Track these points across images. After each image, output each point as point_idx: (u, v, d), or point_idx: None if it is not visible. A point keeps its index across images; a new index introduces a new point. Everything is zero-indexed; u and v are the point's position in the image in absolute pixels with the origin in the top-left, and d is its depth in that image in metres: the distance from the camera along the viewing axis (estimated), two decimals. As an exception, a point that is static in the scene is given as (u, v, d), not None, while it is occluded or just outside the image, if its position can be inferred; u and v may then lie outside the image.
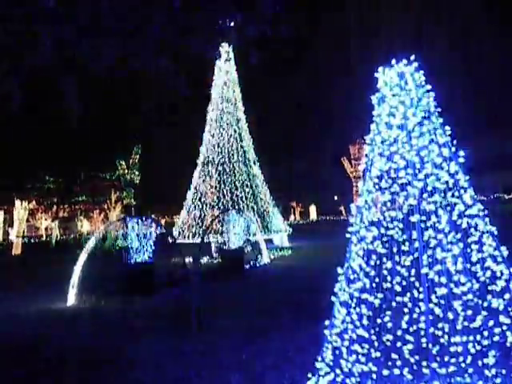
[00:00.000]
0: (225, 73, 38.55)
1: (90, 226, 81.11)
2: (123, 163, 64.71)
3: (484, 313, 5.44)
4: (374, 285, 5.73)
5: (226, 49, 37.76)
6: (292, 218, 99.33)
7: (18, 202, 48.65)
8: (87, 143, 56.72)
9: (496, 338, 5.46)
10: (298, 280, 18.32)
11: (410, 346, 5.56)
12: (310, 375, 6.07)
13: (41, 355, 9.95)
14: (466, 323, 5.42)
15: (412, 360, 5.57)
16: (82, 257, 17.45)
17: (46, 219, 79.68)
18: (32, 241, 60.55)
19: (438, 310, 5.49)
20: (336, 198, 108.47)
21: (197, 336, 10.92)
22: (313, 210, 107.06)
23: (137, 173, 65.50)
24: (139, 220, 18.73)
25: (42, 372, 8.84)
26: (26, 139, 49.19)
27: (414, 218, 5.63)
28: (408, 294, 5.64)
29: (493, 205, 47.31)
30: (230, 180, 36.27)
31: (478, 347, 5.44)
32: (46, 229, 79.22)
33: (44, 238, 67.43)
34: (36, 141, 50.50)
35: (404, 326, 5.62)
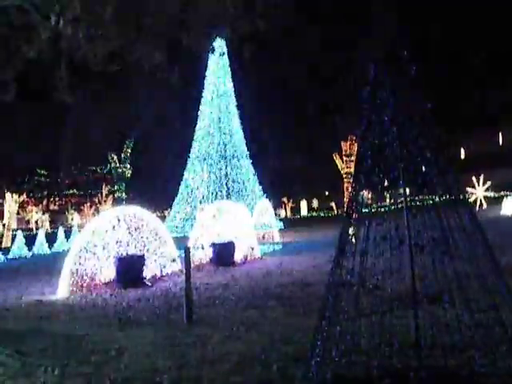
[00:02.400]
0: (218, 67, 38.52)
1: (81, 219, 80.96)
2: (115, 157, 64.45)
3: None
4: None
5: (219, 43, 37.69)
6: (283, 213, 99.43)
7: (8, 195, 48.50)
8: (79, 135, 56.38)
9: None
10: (288, 274, 18.39)
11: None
12: (300, 364, 6.15)
13: (31, 346, 9.99)
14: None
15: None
16: (73, 249, 17.49)
17: (36, 212, 79.42)
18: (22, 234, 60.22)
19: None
20: (327, 193, 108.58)
21: (187, 328, 10.99)
22: (304, 205, 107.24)
23: (128, 166, 65.27)
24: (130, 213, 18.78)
25: (32, 362, 8.88)
26: (19, 130, 48.90)
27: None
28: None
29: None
30: (221, 174, 36.31)
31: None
32: (37, 221, 79.03)
33: (34, 231, 67.18)
34: (28, 132, 50.20)
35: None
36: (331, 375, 5.71)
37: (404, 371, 5.82)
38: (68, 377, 7.89)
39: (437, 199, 5.94)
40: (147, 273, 18.70)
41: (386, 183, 5.93)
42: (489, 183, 54.76)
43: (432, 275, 5.84)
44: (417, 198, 5.96)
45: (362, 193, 6.03)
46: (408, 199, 5.78)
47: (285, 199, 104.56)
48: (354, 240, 5.96)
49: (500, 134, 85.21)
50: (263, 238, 36.15)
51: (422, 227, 5.78)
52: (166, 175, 51.92)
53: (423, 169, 5.79)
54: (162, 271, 19.82)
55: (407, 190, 5.78)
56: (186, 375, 7.58)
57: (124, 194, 65.84)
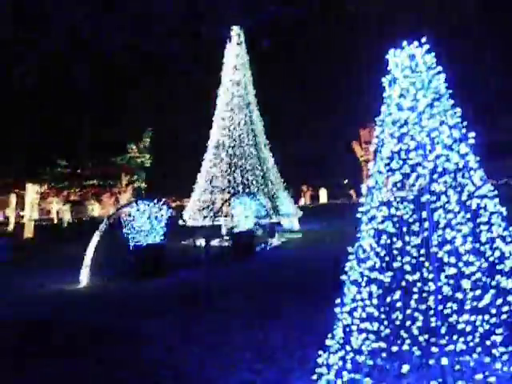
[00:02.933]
0: (235, 56, 38.41)
1: (101, 209, 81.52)
2: (134, 147, 64.76)
3: (492, 291, 5.50)
4: (383, 264, 5.81)
5: (236, 32, 37.59)
6: (302, 201, 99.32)
7: (29, 186, 48.95)
8: (99, 126, 56.72)
9: (504, 317, 5.53)
10: (307, 262, 18.40)
11: (419, 324, 5.65)
12: (320, 352, 6.16)
13: (54, 333, 10.14)
14: (474, 303, 5.49)
15: (421, 338, 5.66)
16: (95, 239, 17.65)
17: (57, 203, 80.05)
18: (44, 224, 60.90)
19: (446, 289, 5.56)
20: (346, 181, 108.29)
21: (207, 316, 11.06)
22: (323, 193, 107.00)
23: (148, 156, 65.58)
24: (150, 202, 18.87)
25: (55, 349, 9.02)
26: (40, 123, 49.24)
27: (424, 199, 5.68)
28: (417, 273, 5.72)
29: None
30: (240, 163, 36.29)
31: (487, 326, 5.52)
32: (58, 212, 79.73)
33: (55, 222, 67.84)
34: (49, 124, 50.52)
35: (413, 304, 5.71)
36: (351, 363, 5.73)
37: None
38: (89, 364, 8.00)
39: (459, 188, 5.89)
40: (168, 262, 18.81)
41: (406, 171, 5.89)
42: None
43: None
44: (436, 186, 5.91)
45: (380, 180, 6.00)
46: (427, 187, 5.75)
47: (304, 187, 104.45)
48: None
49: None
50: (282, 226, 36.19)
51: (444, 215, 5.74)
52: (185, 165, 52.05)
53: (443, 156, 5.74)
54: (182, 260, 19.91)
55: (427, 178, 5.74)
56: (208, 362, 7.65)
57: (144, 183, 66.17)
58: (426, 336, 5.67)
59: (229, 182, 35.48)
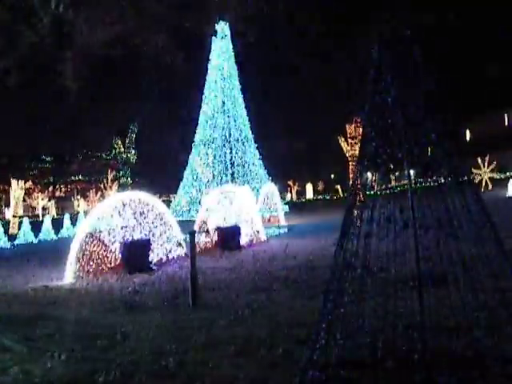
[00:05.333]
0: (221, 50, 38.33)
1: (87, 205, 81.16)
2: (119, 142, 64.49)
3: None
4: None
5: (222, 26, 37.51)
6: (289, 196, 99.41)
7: (14, 182, 48.62)
8: (84, 121, 56.47)
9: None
10: (294, 257, 18.39)
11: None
12: (305, 347, 6.14)
13: (37, 331, 10.04)
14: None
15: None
16: (80, 235, 17.54)
17: (42, 199, 79.61)
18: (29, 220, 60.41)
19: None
20: (332, 176, 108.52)
21: (193, 312, 11.02)
22: (309, 188, 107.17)
23: (133, 152, 65.35)
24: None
25: (39, 347, 8.93)
26: (24, 117, 48.90)
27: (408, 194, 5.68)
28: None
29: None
30: (226, 158, 36.26)
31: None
32: (43, 208, 79.29)
33: (40, 218, 67.42)
34: (34, 118, 50.19)
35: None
36: (335, 358, 5.72)
37: (408, 353, 5.82)
38: (74, 362, 7.93)
39: (442, 181, 5.89)
40: (153, 257, 18.75)
41: (390, 165, 5.88)
42: (494, 164, 54.71)
43: (437, 257, 5.81)
44: (421, 180, 5.91)
45: (366, 175, 5.99)
46: (413, 181, 5.74)
47: (290, 182, 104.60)
48: (358, 222, 5.92)
49: (506, 116, 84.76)
50: (269, 221, 36.20)
51: (427, 209, 5.75)
52: (171, 160, 51.92)
53: (428, 150, 5.74)
54: (167, 256, 19.86)
55: (412, 172, 5.74)
56: (192, 359, 7.61)
57: (129, 179, 65.95)
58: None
59: (214, 176, 35.45)
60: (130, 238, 18.24)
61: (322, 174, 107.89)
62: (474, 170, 52.78)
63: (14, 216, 48.43)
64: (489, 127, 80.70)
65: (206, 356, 7.67)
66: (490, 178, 54.60)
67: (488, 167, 54.41)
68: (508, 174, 58.73)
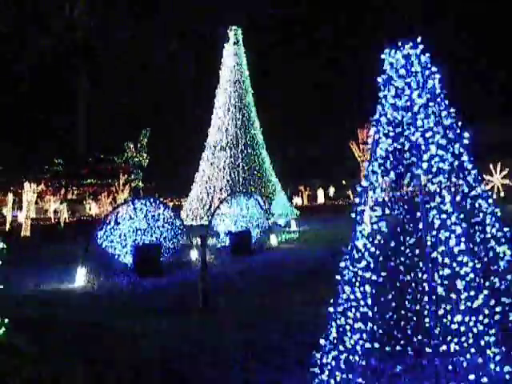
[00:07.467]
0: (233, 56, 38.46)
1: (98, 209, 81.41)
2: (131, 146, 64.81)
3: (486, 292, 5.49)
4: (378, 264, 5.79)
5: (234, 32, 37.67)
6: (300, 201, 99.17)
7: (26, 185, 48.89)
8: (98, 125, 56.83)
9: (497, 317, 5.52)
10: (304, 263, 18.39)
11: (412, 324, 5.65)
12: (314, 352, 6.15)
13: (49, 332, 10.11)
14: (468, 303, 5.48)
15: (414, 339, 5.66)
16: (91, 238, 17.63)
17: (54, 202, 79.94)
18: (41, 223, 60.73)
19: (440, 290, 5.55)
20: (344, 182, 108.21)
21: (203, 315, 11.06)
22: (321, 193, 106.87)
23: (145, 155, 65.65)
24: (147, 202, 18.88)
25: (52, 347, 9.00)
26: (37, 121, 49.27)
27: (418, 199, 5.67)
28: (411, 274, 5.71)
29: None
30: (237, 163, 36.32)
31: (481, 327, 5.50)
32: (55, 211, 79.62)
33: (52, 221, 67.72)
34: (47, 122, 50.57)
35: (407, 304, 5.70)
36: (344, 362, 5.72)
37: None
38: (85, 363, 7.98)
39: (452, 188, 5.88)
40: (164, 261, 18.80)
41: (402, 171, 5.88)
42: (507, 170, 54.27)
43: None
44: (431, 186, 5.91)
45: (377, 181, 5.98)
46: (423, 187, 5.74)
47: (301, 187, 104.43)
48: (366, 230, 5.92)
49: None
50: (279, 226, 36.17)
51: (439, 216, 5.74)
52: (183, 164, 52.13)
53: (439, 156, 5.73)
54: (179, 259, 19.89)
55: (423, 178, 5.73)
56: (203, 361, 7.64)
57: (141, 182, 66.19)
58: (420, 337, 5.67)
59: (227, 181, 35.51)
60: (141, 242, 18.29)
61: (334, 179, 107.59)
62: (486, 177, 52.45)
63: (26, 218, 48.65)
64: (502, 133, 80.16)
65: (217, 359, 7.71)
66: (502, 184, 54.20)
67: (500, 173, 54.00)
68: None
